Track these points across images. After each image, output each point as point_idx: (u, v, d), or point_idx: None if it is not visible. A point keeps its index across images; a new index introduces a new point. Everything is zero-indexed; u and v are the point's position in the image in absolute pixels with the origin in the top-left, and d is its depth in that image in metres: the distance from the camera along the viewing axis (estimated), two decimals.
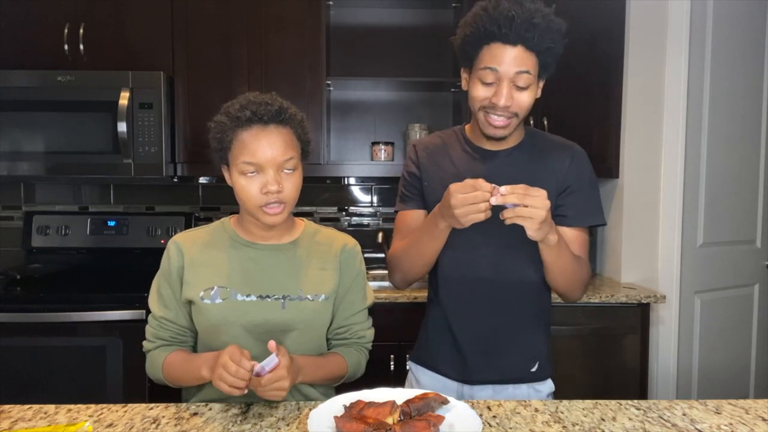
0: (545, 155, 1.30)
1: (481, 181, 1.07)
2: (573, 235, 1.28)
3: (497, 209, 1.09)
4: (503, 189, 1.05)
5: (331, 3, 2.59)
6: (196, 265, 1.19)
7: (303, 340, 1.21)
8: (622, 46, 2.45)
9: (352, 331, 1.28)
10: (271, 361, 1.02)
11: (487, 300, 1.31)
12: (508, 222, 1.07)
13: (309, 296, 1.20)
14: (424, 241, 1.25)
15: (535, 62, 1.17)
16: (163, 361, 1.18)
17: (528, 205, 1.04)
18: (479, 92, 1.19)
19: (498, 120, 1.19)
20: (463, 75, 1.26)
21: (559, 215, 1.27)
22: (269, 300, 1.18)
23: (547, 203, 1.06)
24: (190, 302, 1.19)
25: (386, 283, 2.50)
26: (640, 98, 2.44)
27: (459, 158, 1.32)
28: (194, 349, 1.26)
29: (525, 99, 1.18)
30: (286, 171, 1.13)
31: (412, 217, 1.35)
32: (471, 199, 1.07)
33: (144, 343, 1.23)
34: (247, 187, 1.12)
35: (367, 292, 1.31)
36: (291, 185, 1.13)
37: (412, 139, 2.57)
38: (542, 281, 1.31)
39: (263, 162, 1.10)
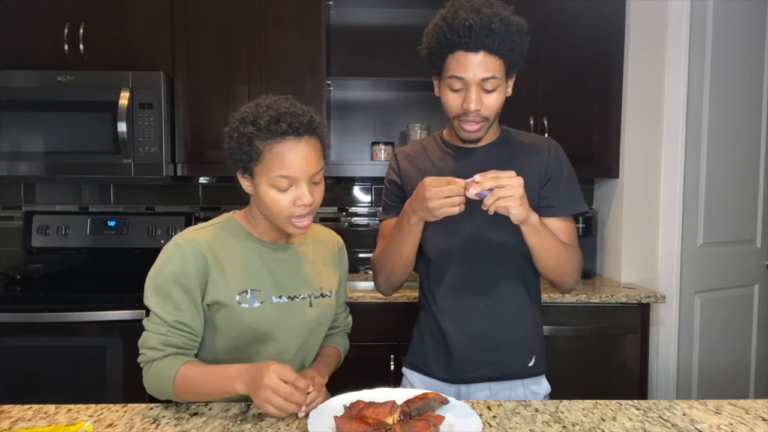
0: (523, 150, 1.34)
1: (455, 179, 1.12)
2: (560, 225, 1.31)
3: (471, 205, 1.12)
4: (476, 177, 1.09)
5: (331, 3, 2.59)
6: (222, 268, 1.13)
7: (321, 335, 1.28)
8: (622, 47, 2.45)
9: (340, 320, 1.38)
10: None
11: (478, 294, 1.31)
12: (492, 209, 1.09)
13: (327, 292, 1.25)
14: (398, 239, 1.27)
15: (500, 64, 1.19)
16: (176, 372, 1.07)
17: (504, 185, 1.08)
18: (451, 101, 1.23)
19: (470, 125, 1.24)
20: (435, 83, 1.30)
21: (544, 206, 1.30)
22: (298, 300, 1.19)
23: (520, 179, 1.10)
24: (211, 305, 1.13)
25: None
26: (640, 98, 2.45)
27: (439, 159, 1.36)
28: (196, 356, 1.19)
29: (493, 101, 1.22)
30: (315, 182, 1.12)
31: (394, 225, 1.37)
32: (446, 192, 1.10)
33: (147, 352, 1.11)
34: (281, 200, 1.09)
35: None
36: (319, 195, 1.14)
37: (412, 139, 2.57)
38: (531, 269, 1.32)
39: (299, 176, 1.08)
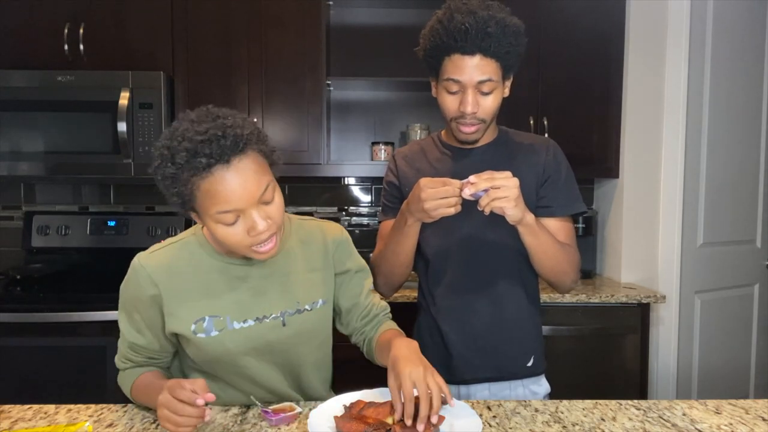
0: (521, 150, 1.34)
1: (450, 179, 1.11)
2: (558, 225, 1.31)
3: (467, 205, 1.12)
4: (471, 178, 1.09)
5: (331, 3, 2.59)
6: (178, 294, 1.06)
7: (309, 350, 1.17)
8: (622, 47, 2.45)
9: (377, 307, 1.25)
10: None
11: (476, 294, 1.32)
12: (487, 209, 1.09)
13: (307, 306, 1.14)
14: (396, 239, 1.27)
15: (497, 66, 1.19)
16: (131, 384, 1.11)
17: (499, 186, 1.07)
18: (448, 103, 1.23)
19: (467, 127, 1.24)
20: (432, 83, 1.30)
21: (542, 206, 1.30)
22: (268, 320, 1.09)
23: (516, 180, 1.09)
24: (176, 335, 1.09)
25: None
26: (640, 98, 2.45)
27: (437, 160, 1.36)
28: (169, 368, 1.20)
29: (490, 104, 1.22)
30: (266, 201, 0.98)
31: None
32: (441, 193, 1.10)
33: (116, 359, 1.14)
34: (232, 234, 0.96)
35: (367, 267, 1.29)
36: (276, 211, 0.99)
37: (412, 139, 2.57)
38: (529, 269, 1.32)
39: (241, 205, 0.94)
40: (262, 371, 1.13)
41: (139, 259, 1.07)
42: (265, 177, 0.98)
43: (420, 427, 0.93)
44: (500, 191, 1.08)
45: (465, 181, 1.09)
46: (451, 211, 1.11)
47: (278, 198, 1.01)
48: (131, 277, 1.07)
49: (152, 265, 1.06)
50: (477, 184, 1.08)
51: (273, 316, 1.10)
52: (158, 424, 1.04)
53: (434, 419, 0.93)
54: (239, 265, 1.09)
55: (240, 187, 0.93)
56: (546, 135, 2.30)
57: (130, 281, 1.08)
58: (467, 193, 1.09)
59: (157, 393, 0.96)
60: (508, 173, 1.10)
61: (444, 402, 1.04)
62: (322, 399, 1.18)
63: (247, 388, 1.14)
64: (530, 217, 1.17)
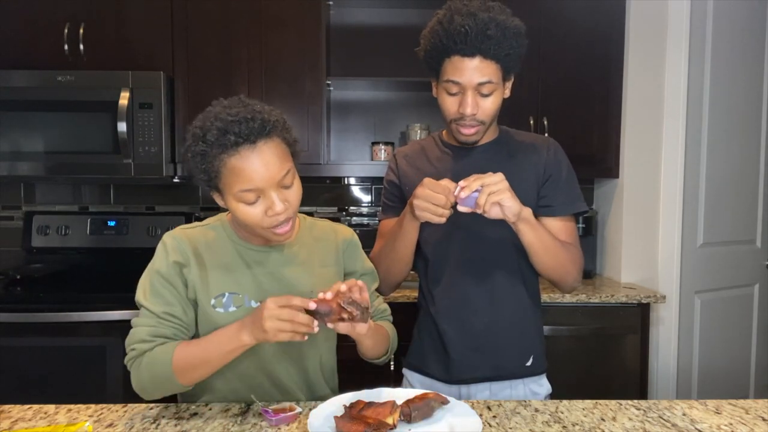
0: (522, 149, 1.34)
1: (451, 186, 1.12)
2: (560, 225, 1.31)
3: (456, 216, 1.14)
4: (461, 183, 1.11)
5: (331, 3, 2.59)
6: (202, 268, 1.12)
7: (316, 341, 1.20)
8: (622, 47, 2.45)
9: (377, 310, 1.30)
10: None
11: (475, 294, 1.31)
12: (487, 206, 1.10)
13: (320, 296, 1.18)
14: (395, 235, 1.28)
15: (497, 68, 1.19)
16: (173, 353, 1.04)
17: (488, 183, 1.09)
18: (447, 105, 1.24)
19: (467, 129, 1.24)
20: (433, 84, 1.30)
21: (543, 206, 1.30)
22: None
23: (501, 174, 1.12)
24: (195, 304, 1.13)
25: None
26: (640, 98, 2.45)
27: (437, 159, 1.37)
28: None
29: (490, 105, 1.22)
30: (286, 185, 1.05)
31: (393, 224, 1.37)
32: (433, 198, 1.12)
33: (136, 346, 1.07)
34: (251, 213, 1.03)
35: (375, 271, 1.32)
36: (294, 196, 1.06)
37: (412, 139, 2.58)
38: (529, 268, 1.32)
39: (262, 185, 1.01)
40: (271, 356, 1.15)
41: (168, 233, 1.15)
42: (287, 163, 1.05)
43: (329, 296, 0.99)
44: (493, 186, 1.09)
45: (457, 190, 1.11)
46: (435, 219, 1.13)
47: (297, 185, 1.08)
48: (159, 251, 1.13)
49: (180, 237, 1.14)
50: (469, 185, 1.10)
51: None
52: (158, 424, 1.04)
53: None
54: (258, 251, 1.16)
55: (263, 167, 1.00)
56: (546, 135, 2.30)
57: (158, 256, 1.13)
58: (462, 196, 1.10)
59: (230, 336, 1.01)
60: (490, 172, 1.12)
61: (445, 402, 1.04)
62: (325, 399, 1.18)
63: (252, 375, 1.15)
64: (527, 211, 1.18)
